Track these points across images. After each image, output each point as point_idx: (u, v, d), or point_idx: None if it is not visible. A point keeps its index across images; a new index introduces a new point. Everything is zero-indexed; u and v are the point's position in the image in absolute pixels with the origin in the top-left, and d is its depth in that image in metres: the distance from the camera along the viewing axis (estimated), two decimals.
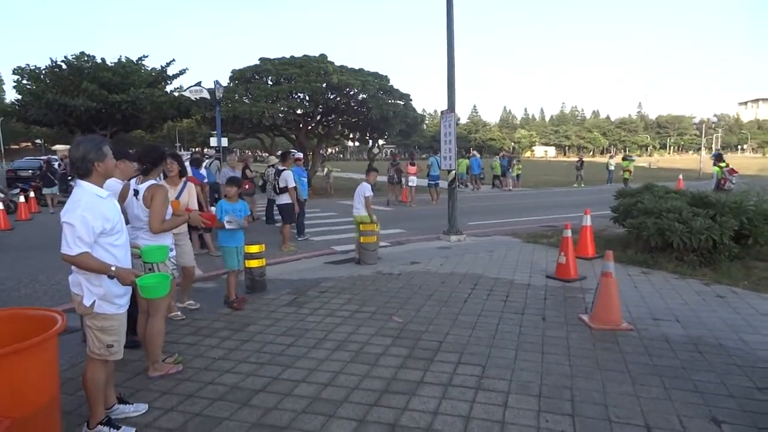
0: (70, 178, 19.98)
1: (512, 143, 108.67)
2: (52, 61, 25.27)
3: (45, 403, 2.61)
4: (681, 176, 22.29)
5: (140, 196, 3.90)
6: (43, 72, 25.23)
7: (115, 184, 4.05)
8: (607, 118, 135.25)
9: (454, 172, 10.31)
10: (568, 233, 6.87)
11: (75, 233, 2.80)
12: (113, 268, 2.92)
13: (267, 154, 23.49)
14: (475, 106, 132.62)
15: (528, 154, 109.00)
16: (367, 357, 4.34)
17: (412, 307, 5.71)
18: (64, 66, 25.23)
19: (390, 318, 5.34)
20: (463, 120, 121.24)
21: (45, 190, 17.38)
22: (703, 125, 44.47)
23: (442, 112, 10.50)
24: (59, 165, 28.42)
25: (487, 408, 3.43)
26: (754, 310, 5.46)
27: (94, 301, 2.96)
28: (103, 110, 24.53)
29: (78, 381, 3.82)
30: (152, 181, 3.99)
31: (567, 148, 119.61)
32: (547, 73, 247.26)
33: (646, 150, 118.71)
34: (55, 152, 40.77)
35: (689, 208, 7.67)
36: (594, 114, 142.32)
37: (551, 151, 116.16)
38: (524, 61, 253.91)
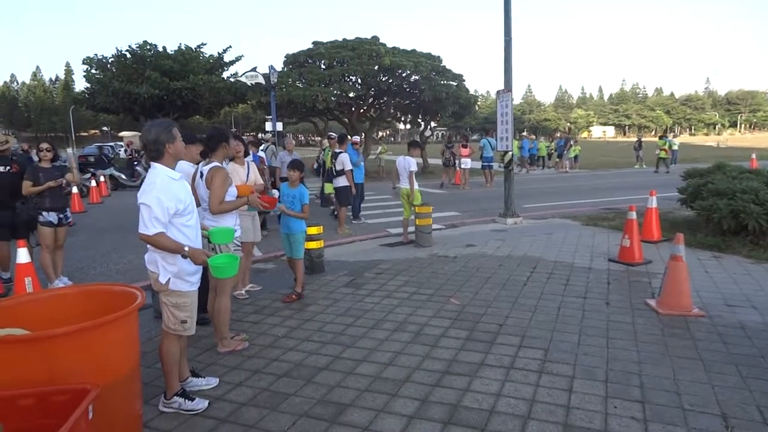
0: (136, 163, 20.99)
1: (568, 123, 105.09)
2: (117, 50, 26.43)
3: (127, 372, 2.77)
4: (754, 155, 20.92)
5: (204, 177, 4.05)
6: (110, 61, 26.44)
7: (187, 167, 4.22)
8: (671, 95, 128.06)
9: (510, 153, 10.08)
10: (633, 215, 6.60)
11: (151, 214, 2.93)
12: (186, 248, 3.05)
13: (320, 138, 23.79)
14: (529, 86, 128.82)
15: (585, 134, 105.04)
16: (426, 338, 4.36)
17: (469, 290, 5.67)
18: (128, 55, 26.32)
19: (448, 300, 5.33)
20: (517, 100, 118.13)
21: (98, 172, 18.39)
22: None
23: (498, 91, 10.26)
24: (125, 151, 29.88)
25: (552, 392, 3.37)
26: None
27: (169, 279, 3.11)
28: (165, 97, 25.48)
29: (153, 354, 4.05)
30: (215, 163, 4.11)
31: (627, 127, 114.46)
32: (605, 49, 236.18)
33: (714, 128, 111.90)
34: (121, 138, 42.89)
35: (766, 188, 7.19)
36: (657, 91, 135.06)
37: (610, 131, 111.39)
38: (581, 37, 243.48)
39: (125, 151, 29.84)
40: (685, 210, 9.20)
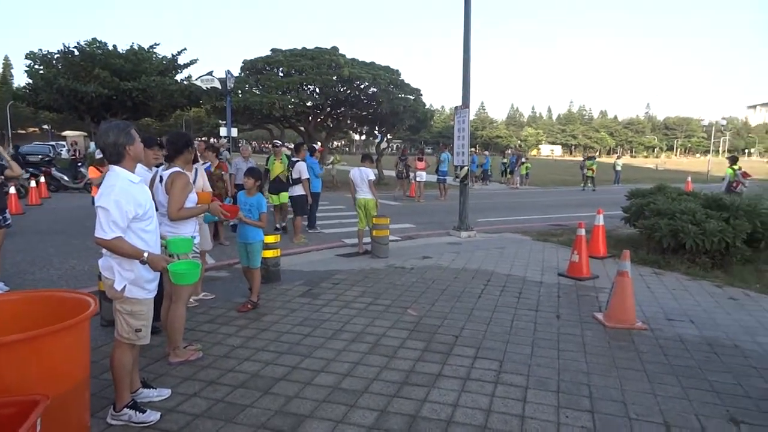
0: (79, 164, 20.10)
1: (519, 141, 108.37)
2: (64, 46, 25.31)
3: (78, 383, 2.65)
4: (689, 179, 22.22)
5: (164, 182, 3.94)
6: (56, 57, 25.28)
7: (144, 171, 4.09)
8: (615, 118, 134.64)
9: (466, 168, 10.31)
10: (582, 232, 6.89)
11: (109, 217, 2.83)
12: (146, 254, 2.96)
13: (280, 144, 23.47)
14: (482, 103, 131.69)
15: (534, 152, 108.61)
16: (384, 349, 4.38)
17: (426, 301, 5.74)
18: (76, 52, 25.24)
19: (405, 311, 5.38)
20: (471, 116, 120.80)
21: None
22: (712, 128, 44.27)
23: (456, 107, 10.50)
24: (68, 151, 28.56)
25: (507, 402, 3.46)
26: (767, 313, 5.47)
27: (125, 286, 3.00)
28: (114, 97, 24.56)
29: (101, 364, 3.89)
30: (176, 168, 4.02)
31: (573, 147, 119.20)
32: (555, 71, 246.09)
33: (653, 151, 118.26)
34: (63, 138, 40.92)
35: (703, 210, 7.67)
36: (602, 114, 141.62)
37: (557, 150, 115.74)
38: (533, 58, 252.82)
39: (68, 151, 28.52)
40: (628, 228, 9.66)
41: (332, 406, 3.40)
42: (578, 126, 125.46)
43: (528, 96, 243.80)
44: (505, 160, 28.74)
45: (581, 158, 32.76)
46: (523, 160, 26.67)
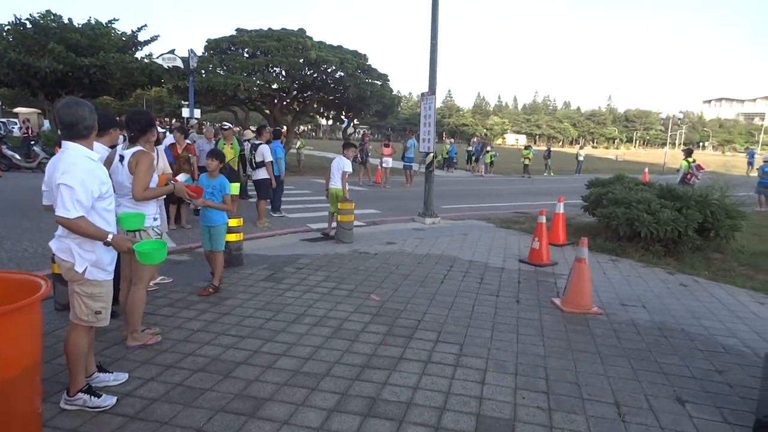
0: (32, 142, 19.26)
1: (485, 130, 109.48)
2: (15, 18, 23.98)
3: (28, 367, 2.56)
4: (647, 169, 22.95)
5: (125, 162, 3.81)
6: (6, 29, 23.95)
7: (102, 149, 3.94)
8: (578, 109, 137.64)
9: (431, 155, 10.36)
10: (543, 219, 7.04)
11: (74, 196, 2.72)
12: (110, 236, 2.88)
13: (239, 128, 23.05)
14: (449, 91, 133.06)
15: (499, 141, 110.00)
16: (346, 333, 4.40)
17: (389, 286, 5.78)
18: (28, 24, 23.96)
19: (369, 296, 5.40)
20: (438, 104, 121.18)
21: None
22: (669, 121, 45.77)
23: (422, 94, 10.51)
24: (20, 128, 27.27)
25: (466, 384, 3.54)
26: (714, 299, 5.75)
27: (87, 268, 2.91)
28: (70, 74, 23.44)
29: (52, 349, 3.77)
30: (139, 148, 3.90)
31: (537, 137, 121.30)
32: (522, 61, 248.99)
33: (614, 142, 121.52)
34: (15, 114, 39.07)
35: (657, 200, 7.95)
36: (565, 104, 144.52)
37: (522, 139, 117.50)
38: (500, 48, 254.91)
39: (20, 128, 27.25)
40: (588, 216, 9.93)
41: (293, 389, 3.40)
42: (542, 116, 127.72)
43: (494, 85, 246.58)
44: (470, 148, 29.03)
45: (545, 148, 33.39)
46: (488, 148, 26.98)
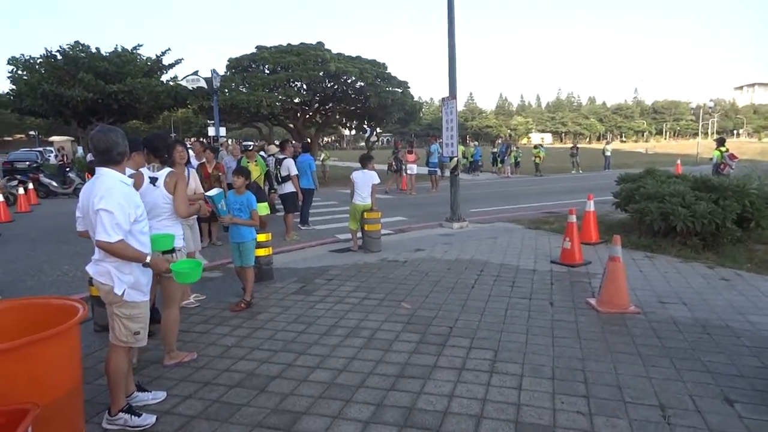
0: (67, 169, 19.91)
1: (508, 130, 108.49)
2: (47, 51, 25.00)
3: (69, 390, 2.63)
4: (679, 161, 22.36)
5: (160, 183, 3.90)
6: (38, 62, 24.98)
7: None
8: (603, 104, 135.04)
9: (456, 159, 10.31)
10: (573, 218, 6.91)
11: (113, 220, 2.80)
12: (149, 257, 2.96)
13: (263, 142, 23.39)
14: (471, 94, 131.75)
15: (524, 140, 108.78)
16: (379, 343, 4.38)
17: (419, 294, 5.74)
18: (59, 56, 24.94)
19: (399, 305, 5.37)
20: (459, 107, 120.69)
21: None
22: (700, 110, 44.52)
23: (443, 99, 10.48)
24: (56, 156, 28.28)
25: (502, 391, 3.47)
26: (758, 292, 5.52)
27: (125, 290, 2.98)
28: (100, 100, 24.30)
29: (95, 370, 3.86)
30: (169, 169, 4.00)
31: (563, 134, 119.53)
32: (543, 59, 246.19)
33: (643, 135, 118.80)
34: (51, 143, 40.54)
35: (692, 192, 7.71)
36: (590, 100, 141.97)
37: (548, 138, 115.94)
38: (520, 47, 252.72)
39: (56, 156, 28.23)
40: (619, 213, 9.70)
41: (328, 401, 3.40)
42: (567, 113, 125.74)
43: (516, 85, 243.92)
44: (495, 150, 28.78)
45: (571, 145, 32.85)
46: (514, 148, 26.72)
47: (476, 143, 29.50)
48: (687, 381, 3.55)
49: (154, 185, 3.92)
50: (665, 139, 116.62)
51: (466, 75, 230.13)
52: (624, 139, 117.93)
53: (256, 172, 9.32)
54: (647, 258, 7.15)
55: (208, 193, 5.03)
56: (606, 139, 63.03)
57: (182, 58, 29.84)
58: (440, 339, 4.42)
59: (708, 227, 7.18)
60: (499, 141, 35.04)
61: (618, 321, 4.75)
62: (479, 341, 4.35)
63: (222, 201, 5.08)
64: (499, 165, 26.80)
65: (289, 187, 9.45)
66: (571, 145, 31.92)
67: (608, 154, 28.88)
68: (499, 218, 11.32)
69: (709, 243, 7.41)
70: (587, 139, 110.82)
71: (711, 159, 13.93)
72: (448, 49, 9.96)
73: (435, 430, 3.03)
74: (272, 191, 10.16)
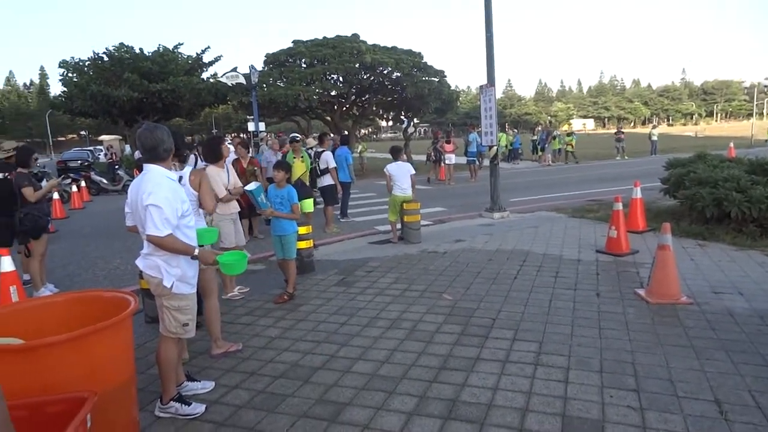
0: (117, 167, 20.68)
1: (548, 117, 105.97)
2: (94, 53, 26.00)
3: (124, 379, 2.73)
4: (732, 144, 21.31)
5: (185, 180, 3.99)
6: (87, 64, 25.99)
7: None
8: (649, 86, 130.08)
9: (495, 147, 10.14)
10: (619, 206, 6.68)
11: (162, 215, 2.89)
12: (196, 250, 3.05)
13: (302, 137, 23.64)
14: (509, 80, 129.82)
15: (565, 127, 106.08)
16: (421, 334, 4.37)
17: (461, 285, 5.69)
18: (105, 58, 25.91)
19: (441, 296, 5.34)
20: (498, 95, 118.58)
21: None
22: (754, 90, 42.25)
23: (481, 86, 10.31)
24: (105, 154, 29.41)
25: (548, 384, 3.40)
26: None
27: (174, 282, 3.08)
28: (144, 99, 25.12)
29: (147, 360, 4.00)
30: (190, 167, 4.11)
31: (606, 119, 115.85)
32: (583, 42, 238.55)
33: (692, 118, 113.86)
34: (100, 142, 42.22)
35: (747, 176, 7.35)
36: (635, 83, 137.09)
37: (590, 124, 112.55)
38: (559, 30, 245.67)
39: (105, 155, 29.34)
40: (668, 200, 9.34)
41: (371, 393, 3.42)
42: (610, 97, 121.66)
43: (556, 70, 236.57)
44: (534, 137, 28.17)
45: (615, 130, 31.78)
46: (556, 133, 26.09)
47: (515, 131, 28.90)
48: (745, 375, 3.39)
49: (180, 183, 4.02)
50: (716, 121, 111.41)
51: (504, 61, 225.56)
52: (671, 122, 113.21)
53: (301, 168, 8.90)
54: (699, 246, 6.85)
55: (247, 187, 5.13)
56: (652, 122, 60.62)
57: (221, 56, 30.48)
58: (483, 331, 4.37)
59: (766, 213, 6.82)
60: (539, 128, 34.24)
61: (669, 312, 4.58)
62: (523, 333, 4.28)
63: (261, 194, 5.16)
64: (540, 153, 26.22)
65: (327, 180, 9.51)
66: (616, 129, 30.84)
67: (655, 138, 27.77)
68: (540, 207, 11.08)
69: (766, 230, 7.04)
70: (632, 124, 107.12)
71: (767, 141, 13.21)
72: (485, 36, 9.76)
73: (480, 423, 3.00)
74: (315, 191, 9.84)
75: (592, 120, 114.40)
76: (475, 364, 3.75)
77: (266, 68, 23.30)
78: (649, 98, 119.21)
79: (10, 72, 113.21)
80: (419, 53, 23.51)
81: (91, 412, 2.16)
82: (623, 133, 27.62)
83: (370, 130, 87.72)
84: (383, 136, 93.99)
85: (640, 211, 7.94)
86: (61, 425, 2.04)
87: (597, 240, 7.44)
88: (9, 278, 5.31)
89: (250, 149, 9.98)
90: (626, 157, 25.71)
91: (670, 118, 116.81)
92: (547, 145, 25.42)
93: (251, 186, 5.09)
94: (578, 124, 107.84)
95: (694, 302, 4.76)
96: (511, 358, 3.81)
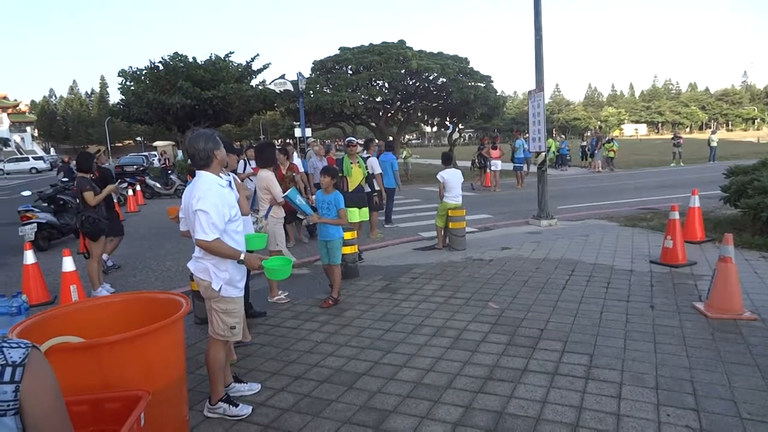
0: (169, 172, 21.46)
1: (598, 122, 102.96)
2: (150, 62, 27.12)
3: (176, 378, 2.81)
4: None
5: (249, 184, 4.11)
6: (143, 73, 27.15)
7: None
8: (707, 90, 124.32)
9: (543, 154, 9.93)
10: (676, 215, 6.39)
11: (209, 220, 2.97)
12: (243, 255, 3.11)
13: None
14: (557, 85, 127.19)
15: (616, 132, 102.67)
16: (466, 343, 4.30)
17: (507, 294, 5.58)
18: (161, 66, 26.99)
19: (486, 305, 5.25)
20: (546, 100, 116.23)
21: None
22: None
23: (530, 91, 10.13)
24: (159, 160, 30.58)
25: (600, 399, 3.28)
26: None
27: (221, 286, 3.15)
28: (197, 106, 25.99)
29: (194, 360, 4.11)
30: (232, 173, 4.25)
31: (660, 125, 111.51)
32: (636, 45, 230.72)
33: (753, 123, 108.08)
34: (155, 148, 44.00)
35: None
36: (691, 87, 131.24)
37: (642, 129, 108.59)
38: (610, 33, 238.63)
39: (159, 160, 30.47)
40: (728, 209, 8.89)
41: (416, 401, 3.38)
42: (664, 102, 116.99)
43: (607, 74, 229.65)
44: (584, 143, 27.42)
45: (671, 135, 30.48)
46: (604, 142, 25.26)
47: (562, 136, 28.24)
48: None
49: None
50: None
51: (552, 65, 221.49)
52: (731, 127, 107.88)
53: (359, 175, 8.44)
54: (763, 258, 6.47)
55: (284, 194, 5.24)
56: (711, 127, 57.87)
57: (270, 63, 31.19)
58: (530, 341, 4.26)
59: None
60: (589, 134, 33.34)
61: (730, 328, 4.33)
62: (572, 345, 4.15)
63: (297, 195, 5.23)
64: (590, 159, 25.48)
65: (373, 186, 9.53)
66: (673, 135, 29.47)
67: (714, 144, 26.48)
68: (590, 215, 10.76)
69: None
70: (687, 129, 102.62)
71: None
72: (534, 39, 9.60)
73: None
74: (374, 193, 9.31)
75: (644, 125, 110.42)
76: (523, 376, 3.65)
77: (313, 75, 23.72)
78: (707, 102, 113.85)
79: (74, 81, 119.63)
80: (465, 58, 23.39)
81: (144, 411, 2.23)
82: (681, 137, 26.47)
83: (414, 136, 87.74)
84: (427, 142, 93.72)
85: (698, 220, 7.58)
86: (117, 422, 2.11)
87: (651, 250, 7.15)
88: (70, 278, 5.59)
89: (296, 154, 10.09)
90: (682, 164, 24.67)
91: (730, 123, 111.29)
92: (597, 151, 24.68)
93: (290, 193, 5.18)
94: (630, 130, 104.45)
95: (758, 318, 4.49)
96: (560, 371, 3.70)
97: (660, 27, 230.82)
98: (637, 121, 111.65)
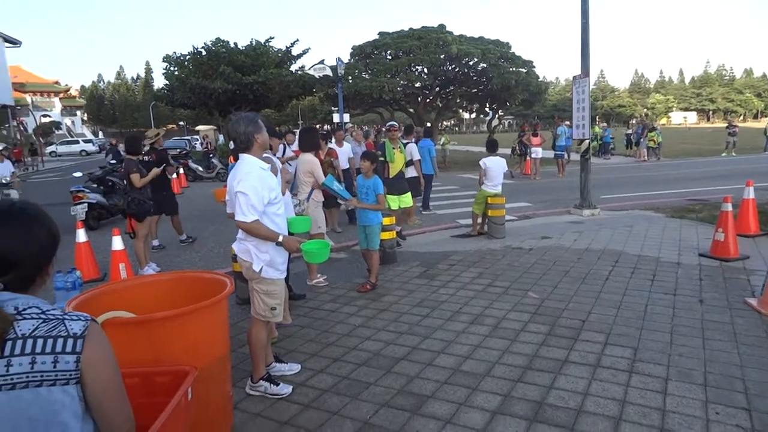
0: (211, 155, 21.94)
1: (644, 109, 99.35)
2: (193, 48, 27.71)
3: (220, 355, 2.88)
4: None
5: (299, 168, 4.15)
6: (187, 59, 27.74)
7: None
8: (764, 76, 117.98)
9: (587, 141, 9.65)
10: (728, 207, 6.13)
11: (249, 201, 3.03)
12: (281, 237, 3.15)
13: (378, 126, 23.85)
14: (602, 71, 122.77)
15: (664, 120, 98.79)
16: (505, 332, 4.26)
17: (547, 283, 5.48)
18: (203, 52, 27.54)
19: (526, 294, 5.18)
20: (590, 86, 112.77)
21: None
22: None
23: (574, 77, 9.84)
24: (201, 144, 31.31)
25: (644, 393, 3.19)
26: None
27: (262, 267, 3.20)
28: (238, 91, 26.44)
29: (238, 339, 4.21)
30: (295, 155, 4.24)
31: (711, 112, 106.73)
32: (687, 28, 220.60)
33: None
34: (197, 132, 45.05)
35: None
36: (746, 72, 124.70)
37: (691, 117, 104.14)
38: (659, 16, 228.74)
39: (201, 144, 31.22)
40: None
41: (454, 388, 3.38)
42: (716, 88, 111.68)
43: (654, 59, 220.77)
44: (629, 131, 26.51)
45: (725, 124, 29.04)
46: (651, 127, 24.36)
47: (605, 124, 27.38)
48: None
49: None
50: None
51: (597, 51, 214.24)
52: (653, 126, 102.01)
53: (400, 159, 8.20)
54: None
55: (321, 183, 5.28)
56: (767, 116, 54.87)
57: (309, 48, 31.37)
58: (571, 332, 4.18)
59: None
60: (634, 121, 32.20)
61: None
62: (615, 337, 4.05)
63: (334, 182, 5.25)
64: (635, 147, 24.64)
65: (411, 172, 9.48)
66: (728, 123, 28.02)
67: None
68: (634, 205, 10.43)
69: None
70: (741, 117, 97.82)
71: None
72: (581, 23, 9.29)
73: (568, 428, 2.87)
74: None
75: (694, 113, 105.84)
76: (563, 367, 3.59)
77: (352, 60, 23.70)
78: (764, 89, 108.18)
79: (120, 67, 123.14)
80: (507, 43, 22.91)
81: (192, 385, 2.30)
82: (737, 126, 25.19)
83: (452, 122, 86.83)
84: (465, 129, 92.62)
85: (752, 212, 7.23)
86: (166, 395, 2.18)
87: (700, 243, 6.88)
88: (119, 256, 5.80)
89: (332, 140, 10.09)
90: (734, 154, 23.56)
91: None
92: (642, 140, 23.82)
93: (326, 180, 5.21)
94: (678, 118, 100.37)
95: None
96: (602, 363, 3.62)
97: (713, 10, 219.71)
98: (686, 109, 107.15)
